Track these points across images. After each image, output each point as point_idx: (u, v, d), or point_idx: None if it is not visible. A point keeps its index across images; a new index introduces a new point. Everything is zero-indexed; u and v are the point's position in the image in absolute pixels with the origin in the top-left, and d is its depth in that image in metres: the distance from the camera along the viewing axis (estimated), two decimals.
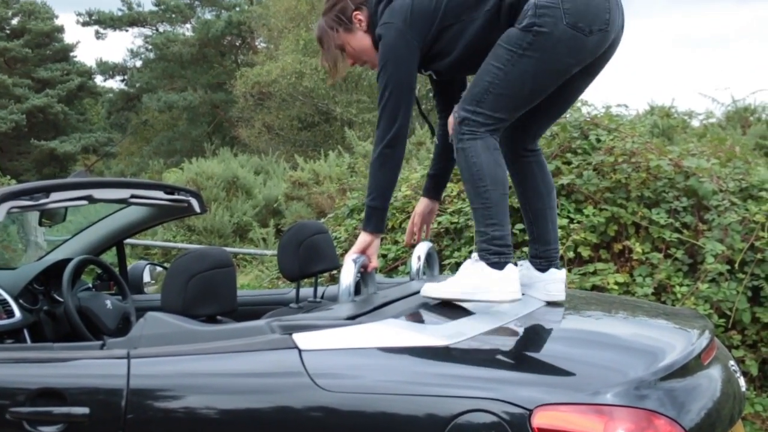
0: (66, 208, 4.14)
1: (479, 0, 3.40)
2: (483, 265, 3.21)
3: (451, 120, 3.40)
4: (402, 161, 3.52)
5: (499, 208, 3.29)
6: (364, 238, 3.44)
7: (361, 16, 3.60)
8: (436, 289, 3.20)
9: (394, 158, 3.47)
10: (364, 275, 3.40)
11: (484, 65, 3.36)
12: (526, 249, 4.09)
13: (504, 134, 3.51)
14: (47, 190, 3.56)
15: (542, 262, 3.62)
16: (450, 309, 3.07)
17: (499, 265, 3.20)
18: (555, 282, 3.53)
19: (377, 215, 3.46)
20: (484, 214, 3.29)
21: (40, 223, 4.71)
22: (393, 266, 6.56)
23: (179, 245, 13.62)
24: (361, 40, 3.62)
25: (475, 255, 3.28)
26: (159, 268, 5.29)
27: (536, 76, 3.35)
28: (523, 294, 3.27)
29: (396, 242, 6.73)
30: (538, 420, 2.37)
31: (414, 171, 7.66)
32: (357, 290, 3.32)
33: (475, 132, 3.31)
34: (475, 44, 3.43)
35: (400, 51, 3.41)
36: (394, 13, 3.45)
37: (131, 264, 5.16)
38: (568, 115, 6.84)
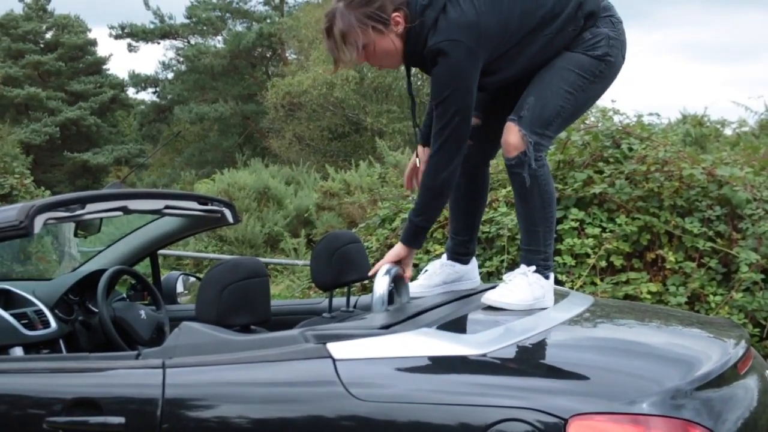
0: (101, 219, 4.16)
1: (542, 25, 3.39)
2: (539, 276, 3.37)
3: (511, 139, 3.37)
4: None
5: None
6: (400, 250, 3.44)
7: (399, 18, 3.35)
8: (503, 296, 3.28)
9: (453, 185, 3.47)
10: (397, 285, 3.40)
11: (552, 88, 3.40)
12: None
13: (479, 147, 3.64)
14: (83, 202, 3.58)
15: (467, 257, 3.86)
16: (483, 319, 3.07)
17: (547, 277, 3.41)
18: (475, 269, 3.91)
19: (422, 234, 3.48)
20: (545, 235, 3.47)
21: (76, 234, 4.74)
22: None
23: (211, 255, 13.68)
24: (390, 43, 3.38)
25: (525, 267, 3.42)
26: (192, 279, 5.30)
27: (595, 100, 3.61)
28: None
29: (428, 252, 6.72)
30: (574, 429, 2.35)
31: None
32: (390, 300, 3.32)
33: (544, 157, 3.40)
34: (526, 66, 3.45)
35: (471, 74, 3.33)
36: (461, 29, 3.30)
37: (165, 275, 5.18)
38: (600, 124, 6.83)
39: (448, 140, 3.35)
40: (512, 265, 6.24)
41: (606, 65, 3.49)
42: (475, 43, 3.29)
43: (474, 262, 3.88)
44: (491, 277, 6.25)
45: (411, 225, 3.46)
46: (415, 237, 3.45)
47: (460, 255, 3.83)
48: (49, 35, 47.63)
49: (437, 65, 3.32)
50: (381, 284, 3.25)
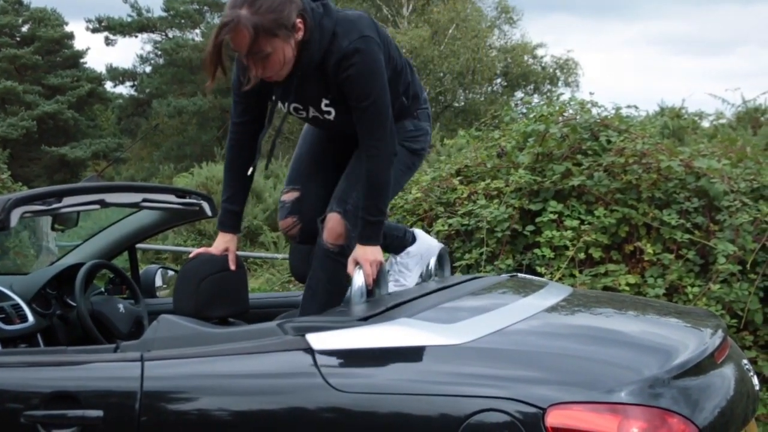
0: (78, 212, 4.15)
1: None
2: None
3: (337, 229, 3.50)
4: None
5: None
6: (374, 251, 3.42)
7: (301, 25, 3.27)
8: None
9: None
10: (376, 276, 3.40)
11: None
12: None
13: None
14: (59, 195, 3.57)
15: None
16: (461, 309, 3.07)
17: None
18: None
19: (381, 228, 3.49)
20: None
21: (53, 228, 4.72)
22: None
23: (189, 249, 13.63)
24: (290, 51, 3.27)
25: None
26: (171, 272, 5.29)
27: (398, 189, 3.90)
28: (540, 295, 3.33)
29: None
30: (552, 419, 2.36)
31: (424, 173, 7.65)
32: (369, 292, 3.32)
33: None
34: None
35: (384, 66, 3.38)
36: (365, 26, 3.36)
37: (143, 268, 5.17)
38: (578, 117, 6.85)
39: (386, 125, 3.38)
40: (491, 257, 6.26)
41: (419, 159, 3.77)
42: (378, 36, 3.37)
43: None
44: (470, 269, 6.27)
45: (371, 225, 3.42)
46: (379, 235, 3.46)
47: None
48: (25, 29, 47.29)
49: (353, 66, 3.28)
50: (359, 276, 3.25)
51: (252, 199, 17.14)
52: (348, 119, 3.44)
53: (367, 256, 3.38)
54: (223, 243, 3.66)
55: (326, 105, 3.47)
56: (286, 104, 3.51)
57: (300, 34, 3.27)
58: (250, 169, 3.66)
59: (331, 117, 3.49)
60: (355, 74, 3.30)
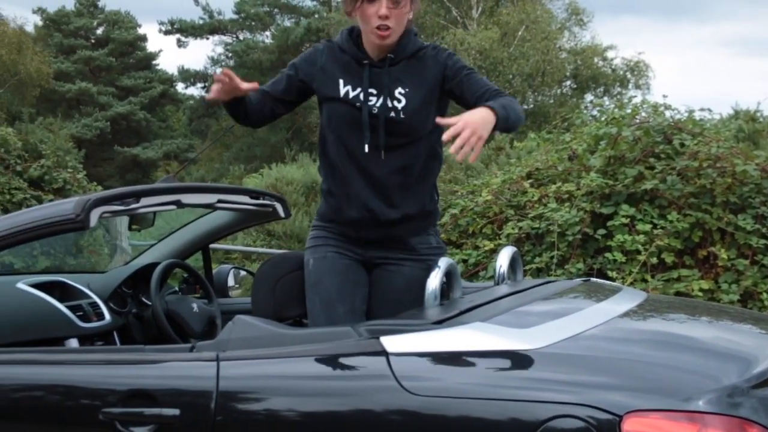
0: (155, 213, 4.19)
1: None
2: None
3: None
4: None
5: None
6: (485, 117, 3.17)
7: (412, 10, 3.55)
8: None
9: None
10: (449, 280, 3.39)
11: None
12: None
13: None
14: (137, 195, 3.60)
15: None
16: (535, 314, 3.05)
17: None
18: None
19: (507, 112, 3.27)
20: None
21: (130, 228, 4.77)
22: (474, 271, 6.55)
23: (259, 250, 13.74)
24: (408, 20, 3.51)
25: None
26: (243, 272, 5.33)
27: None
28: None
29: (477, 247, 6.72)
30: (628, 426, 2.33)
31: (494, 176, 7.63)
32: (443, 294, 3.31)
33: None
34: None
35: None
36: None
37: (216, 268, 5.21)
38: (651, 120, 6.78)
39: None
40: (562, 261, 6.22)
41: None
42: None
43: None
44: (540, 272, 6.23)
45: (503, 104, 3.27)
46: (503, 112, 3.23)
47: None
48: (100, 31, 48.17)
49: (448, 52, 3.55)
50: (434, 279, 3.25)
51: (321, 200, 17.20)
52: (415, 111, 3.46)
53: (475, 118, 3.13)
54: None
55: (399, 93, 3.48)
56: (359, 90, 3.52)
57: (411, 15, 3.49)
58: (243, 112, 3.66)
59: (400, 106, 3.48)
60: (455, 57, 3.51)
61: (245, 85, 3.53)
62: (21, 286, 4.37)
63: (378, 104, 3.48)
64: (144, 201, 3.63)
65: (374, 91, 3.49)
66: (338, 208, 3.58)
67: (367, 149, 3.47)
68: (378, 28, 3.42)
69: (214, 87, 3.53)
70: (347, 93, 3.52)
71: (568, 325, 2.86)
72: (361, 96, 3.50)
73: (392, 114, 3.46)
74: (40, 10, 47.32)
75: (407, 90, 3.49)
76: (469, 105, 3.40)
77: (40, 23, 47.24)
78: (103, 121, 44.20)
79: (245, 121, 3.69)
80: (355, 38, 3.58)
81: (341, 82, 3.54)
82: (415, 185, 3.54)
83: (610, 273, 5.98)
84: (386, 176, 3.49)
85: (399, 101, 3.48)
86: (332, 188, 3.61)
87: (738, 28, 68.07)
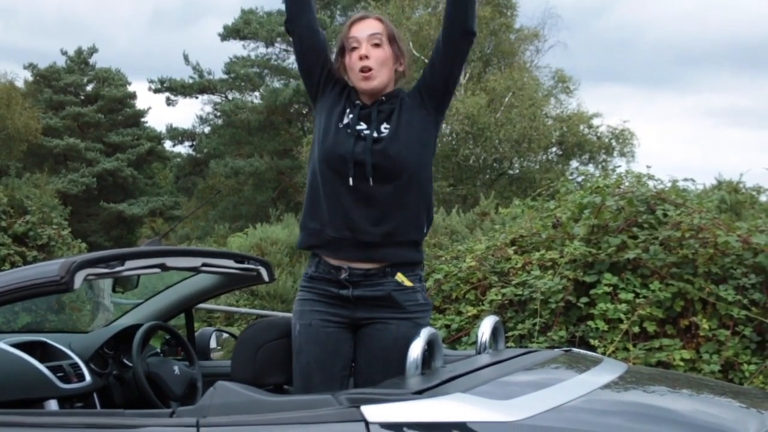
0: (139, 275, 4.19)
1: None
2: None
3: None
4: None
5: None
6: None
7: (404, 69, 3.72)
8: None
9: None
10: (431, 348, 3.40)
11: None
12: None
13: None
14: (122, 258, 3.61)
15: None
16: (517, 384, 3.05)
17: None
18: None
19: None
20: None
21: (114, 290, 4.78)
22: (456, 336, 6.54)
23: (242, 310, 13.68)
24: (391, 69, 3.65)
25: None
26: (225, 335, 5.33)
27: None
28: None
29: (460, 313, 6.72)
30: None
31: (478, 242, 7.65)
32: (425, 363, 3.31)
33: None
34: None
35: None
36: None
37: (198, 330, 5.21)
38: (634, 189, 6.83)
39: None
40: (544, 328, 6.22)
41: None
42: None
43: None
44: (523, 339, 6.24)
45: None
46: None
47: None
48: (90, 88, 48.36)
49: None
50: (415, 348, 3.25)
51: (304, 260, 17.21)
52: (401, 144, 3.53)
53: None
54: None
55: (385, 128, 3.56)
56: (351, 115, 3.62)
57: (401, 69, 3.68)
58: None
59: (386, 137, 3.54)
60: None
61: None
62: (2, 345, 4.35)
63: (365, 133, 3.55)
64: (129, 264, 3.64)
65: (363, 125, 3.58)
66: (319, 230, 3.57)
67: (351, 182, 3.52)
68: (361, 70, 3.56)
69: None
70: (340, 119, 3.61)
71: (550, 396, 2.86)
72: (351, 124, 3.58)
73: (378, 145, 3.52)
74: (31, 66, 47.53)
75: (392, 125, 3.56)
76: (434, 66, 3.61)
77: (31, 79, 47.43)
78: (90, 177, 44.21)
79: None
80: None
81: (339, 108, 3.64)
82: (402, 205, 3.55)
83: (592, 341, 5.98)
84: (372, 198, 3.52)
85: (384, 134, 3.55)
86: (315, 210, 3.62)
87: (721, 99, 68.68)
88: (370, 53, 3.55)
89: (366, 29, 3.59)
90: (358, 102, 3.62)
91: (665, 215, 6.51)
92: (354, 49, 3.58)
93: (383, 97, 3.62)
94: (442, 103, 3.67)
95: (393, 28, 3.66)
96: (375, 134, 3.54)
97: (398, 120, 3.56)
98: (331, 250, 3.56)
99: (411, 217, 3.57)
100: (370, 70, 3.55)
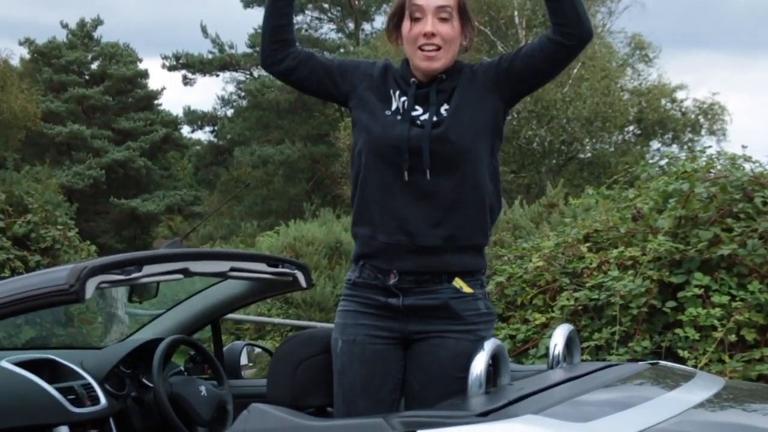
0: (158, 282, 4.23)
1: None
2: None
3: None
4: None
5: None
6: None
7: (468, 41, 3.69)
8: None
9: None
10: (496, 363, 3.40)
11: None
12: None
13: None
14: (140, 263, 3.63)
15: None
16: (595, 404, 3.05)
17: None
18: None
19: None
20: None
21: (130, 300, 4.82)
22: (523, 348, 6.55)
23: (275, 320, 13.73)
24: (457, 45, 3.61)
25: None
26: (258, 349, 5.36)
27: None
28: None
29: (526, 321, 6.72)
30: None
31: (546, 238, 7.64)
32: (489, 380, 3.32)
33: None
34: None
35: None
36: None
37: (227, 345, 5.24)
38: (728, 174, 6.78)
39: None
40: (625, 338, 6.20)
41: None
42: None
43: None
44: (600, 351, 6.22)
45: None
46: None
47: None
48: (95, 66, 48.67)
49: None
50: (478, 364, 3.26)
51: (345, 263, 17.18)
52: (463, 129, 3.50)
53: None
54: None
55: (445, 110, 3.52)
56: (404, 105, 3.58)
57: (466, 43, 3.61)
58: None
59: (447, 122, 3.50)
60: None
61: None
62: (4, 364, 4.40)
63: (422, 119, 3.52)
64: (147, 269, 3.67)
65: (419, 108, 3.55)
66: (370, 237, 3.55)
67: (407, 176, 3.50)
68: (423, 48, 3.51)
69: None
70: (387, 106, 3.59)
71: (634, 418, 2.86)
72: (404, 106, 3.56)
73: (438, 129, 3.49)
74: (28, 42, 47.91)
75: (452, 106, 3.54)
76: (533, 59, 3.54)
77: (28, 57, 47.81)
78: (98, 169, 44.49)
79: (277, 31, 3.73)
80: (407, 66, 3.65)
81: (383, 98, 3.62)
82: (465, 203, 3.52)
83: (680, 352, 5.95)
84: (431, 193, 3.49)
85: (445, 117, 3.52)
86: (363, 214, 3.61)
87: None
88: (438, 30, 3.49)
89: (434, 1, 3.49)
90: (413, 80, 3.58)
91: (765, 204, 6.46)
92: (417, 19, 3.50)
93: (443, 75, 3.57)
94: (519, 96, 3.68)
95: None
96: (435, 118, 3.51)
97: (461, 99, 3.53)
98: (384, 260, 3.53)
99: (475, 217, 3.53)
100: (436, 49, 3.51)
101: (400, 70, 3.65)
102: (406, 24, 3.53)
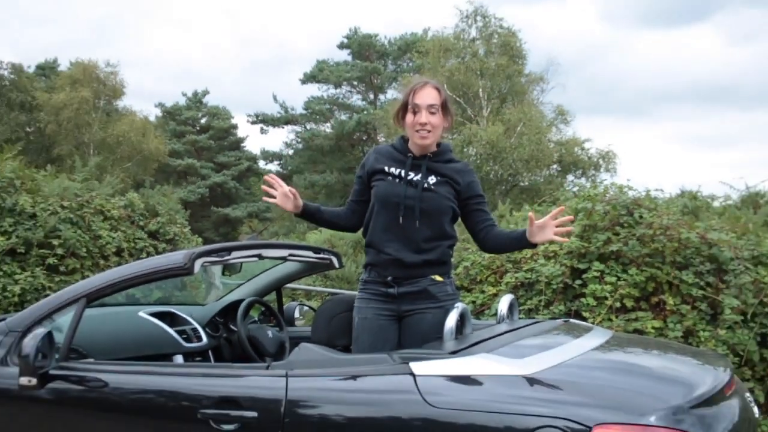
0: (241, 263, 4.24)
1: None
2: None
3: None
4: None
5: None
6: None
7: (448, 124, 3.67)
8: None
9: None
10: (463, 319, 3.40)
11: None
12: None
13: None
14: (229, 250, 3.64)
15: None
16: (528, 347, 3.04)
17: None
18: None
19: None
20: None
21: (223, 274, 4.82)
22: (480, 310, 6.51)
23: (318, 288, 13.72)
24: (441, 129, 3.59)
25: None
26: (306, 308, 5.36)
27: None
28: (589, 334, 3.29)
29: (483, 291, 6.68)
30: None
31: None
32: (458, 330, 3.32)
33: None
34: None
35: None
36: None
37: (286, 304, 5.24)
38: (617, 198, 6.75)
39: None
40: (547, 304, 6.18)
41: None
42: None
43: None
44: (531, 312, 6.19)
45: None
46: None
47: None
48: (203, 120, 48.77)
49: (472, 173, 3.63)
50: (451, 319, 3.25)
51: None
52: (441, 194, 3.52)
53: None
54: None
55: (431, 178, 3.54)
56: (401, 171, 3.58)
57: (447, 125, 3.60)
58: (331, 218, 3.84)
59: (432, 184, 3.53)
60: (476, 182, 3.66)
61: (286, 188, 3.70)
62: (141, 314, 4.42)
63: (416, 179, 3.52)
64: (234, 254, 3.68)
65: (413, 174, 3.54)
66: (375, 255, 3.58)
67: (401, 220, 3.50)
68: (419, 131, 3.51)
69: (270, 190, 3.72)
70: (391, 171, 3.58)
71: (553, 356, 2.86)
72: (402, 174, 3.54)
73: (426, 185, 3.50)
74: (160, 105, 48.31)
75: (438, 179, 3.55)
76: (472, 226, 3.63)
77: (159, 114, 47.99)
78: (204, 188, 44.65)
79: (335, 227, 3.84)
80: (405, 142, 3.65)
81: (387, 165, 3.60)
82: (436, 241, 3.53)
83: (584, 314, 5.93)
84: (416, 232, 3.50)
85: (432, 183, 3.53)
86: (372, 238, 3.61)
87: (683, 128, 67.43)
88: (429, 120, 3.50)
89: (426, 98, 3.50)
90: (410, 155, 3.59)
91: (641, 217, 6.43)
92: (415, 113, 3.51)
93: (431, 154, 3.59)
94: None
95: (446, 94, 3.60)
96: (425, 184, 3.53)
97: (441, 179, 3.55)
98: (383, 268, 3.55)
99: (442, 248, 3.56)
100: (428, 132, 3.51)
101: (398, 146, 3.65)
102: (409, 116, 3.54)
